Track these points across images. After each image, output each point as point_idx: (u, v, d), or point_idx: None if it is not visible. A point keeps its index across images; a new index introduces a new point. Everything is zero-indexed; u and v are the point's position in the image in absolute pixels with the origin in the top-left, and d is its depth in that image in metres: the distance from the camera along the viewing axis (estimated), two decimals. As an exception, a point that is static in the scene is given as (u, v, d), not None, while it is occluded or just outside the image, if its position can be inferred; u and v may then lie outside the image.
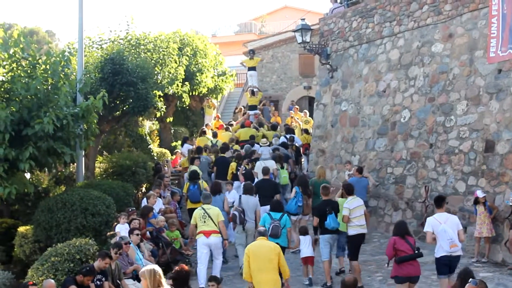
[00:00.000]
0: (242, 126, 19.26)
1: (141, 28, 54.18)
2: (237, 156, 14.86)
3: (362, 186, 12.35)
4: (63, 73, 12.30)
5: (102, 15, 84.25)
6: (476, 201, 10.74)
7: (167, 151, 21.25)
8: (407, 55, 13.96)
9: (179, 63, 20.47)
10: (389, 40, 14.65)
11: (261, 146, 15.47)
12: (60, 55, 12.21)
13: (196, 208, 10.71)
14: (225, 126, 20.45)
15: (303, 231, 10.53)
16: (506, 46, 11.30)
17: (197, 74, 23.16)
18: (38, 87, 11.31)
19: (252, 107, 21.40)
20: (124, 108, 16.64)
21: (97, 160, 16.97)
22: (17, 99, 11.40)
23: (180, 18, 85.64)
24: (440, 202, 8.80)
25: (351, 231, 9.82)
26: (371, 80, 15.04)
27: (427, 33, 13.43)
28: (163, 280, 5.34)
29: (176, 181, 18.48)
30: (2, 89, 11.60)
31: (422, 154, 12.97)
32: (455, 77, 12.48)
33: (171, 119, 22.93)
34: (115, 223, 11.46)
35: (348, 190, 10.13)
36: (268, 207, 10.57)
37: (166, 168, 17.32)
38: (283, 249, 9.13)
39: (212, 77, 24.69)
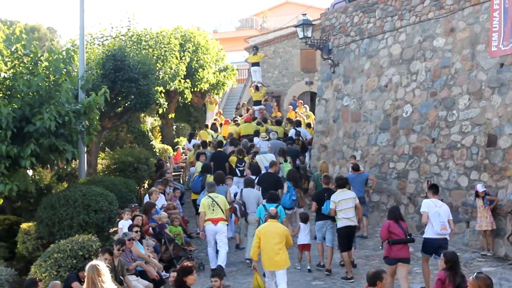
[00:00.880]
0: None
1: (142, 25, 54.17)
2: (238, 151, 14.99)
3: (359, 181, 12.53)
4: (65, 70, 12.31)
5: (104, 11, 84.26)
6: (477, 195, 10.79)
7: (169, 147, 21.29)
8: (409, 50, 13.92)
9: (181, 59, 20.46)
10: (390, 35, 14.60)
11: (261, 140, 16.01)
12: (64, 53, 12.21)
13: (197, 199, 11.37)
14: (231, 122, 20.69)
15: (304, 219, 10.89)
16: (508, 40, 11.25)
17: (199, 70, 23.17)
18: (40, 84, 11.31)
19: (257, 102, 21.42)
20: (126, 105, 16.65)
21: (99, 157, 17.00)
22: (19, 96, 11.42)
23: (181, 14, 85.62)
24: (436, 189, 9.46)
25: (339, 224, 10.16)
26: (373, 75, 15.00)
27: (429, 28, 13.38)
28: (105, 277, 5.36)
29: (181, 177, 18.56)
30: (4, 86, 11.61)
31: (424, 148, 12.95)
32: (457, 71, 12.44)
33: (173, 115, 22.95)
34: (118, 219, 11.49)
35: (338, 183, 10.40)
36: None
37: (168, 164, 17.35)
38: None
39: (214, 73, 24.69)
